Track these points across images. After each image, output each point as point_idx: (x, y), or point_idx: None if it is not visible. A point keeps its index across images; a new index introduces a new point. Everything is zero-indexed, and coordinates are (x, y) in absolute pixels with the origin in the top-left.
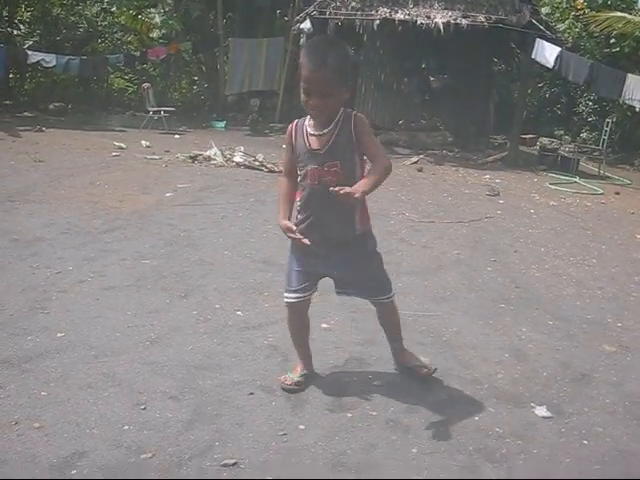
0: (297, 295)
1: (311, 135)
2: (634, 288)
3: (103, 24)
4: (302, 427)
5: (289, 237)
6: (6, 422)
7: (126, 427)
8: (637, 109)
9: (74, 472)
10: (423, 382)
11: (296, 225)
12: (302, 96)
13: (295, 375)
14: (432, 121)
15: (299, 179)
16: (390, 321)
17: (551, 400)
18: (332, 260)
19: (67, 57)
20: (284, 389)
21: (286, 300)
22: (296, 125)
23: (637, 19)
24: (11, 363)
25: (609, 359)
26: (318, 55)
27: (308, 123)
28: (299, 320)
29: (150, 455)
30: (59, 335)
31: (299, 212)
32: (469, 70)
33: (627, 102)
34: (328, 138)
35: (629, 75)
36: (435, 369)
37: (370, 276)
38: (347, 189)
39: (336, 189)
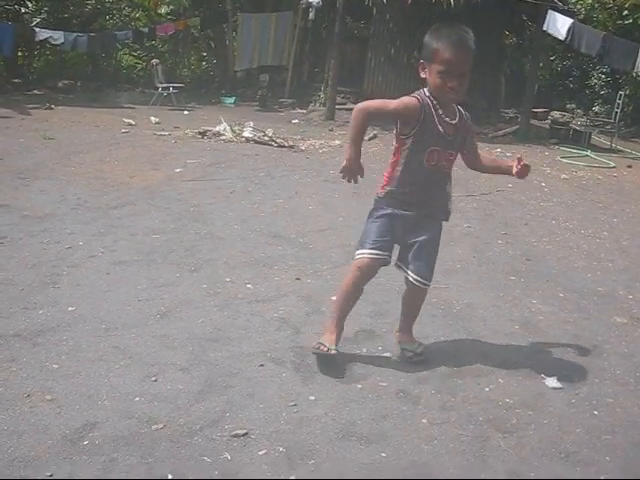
0: (373, 252)
1: (443, 119)
2: None
3: (111, 0)
4: (312, 398)
5: (347, 169)
6: (19, 394)
7: (137, 399)
8: None
9: (86, 442)
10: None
11: (391, 194)
12: (437, 80)
13: (329, 343)
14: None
15: (405, 152)
16: (415, 305)
17: (561, 371)
18: (415, 225)
19: (75, 34)
20: (317, 354)
21: (359, 257)
22: (423, 102)
23: None
24: (23, 337)
25: (620, 330)
26: (463, 39)
27: (437, 105)
28: (359, 286)
29: (161, 426)
30: (70, 309)
31: (398, 184)
32: (480, 43)
33: None
34: (456, 128)
35: None
36: (420, 357)
37: (431, 255)
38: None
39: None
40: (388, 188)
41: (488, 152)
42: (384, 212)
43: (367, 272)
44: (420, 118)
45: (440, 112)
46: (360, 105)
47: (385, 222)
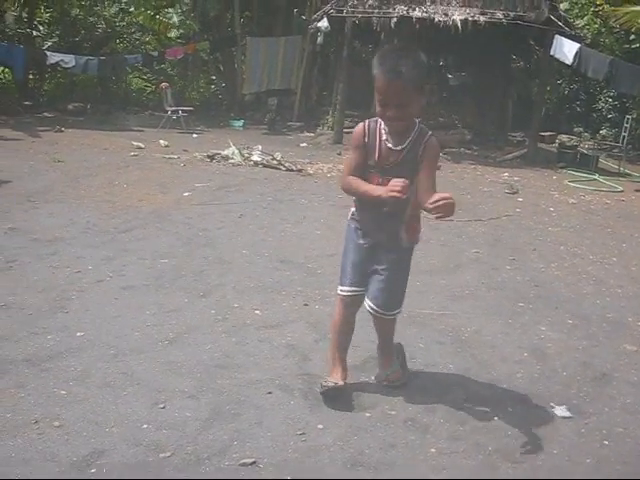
0: (352, 289)
1: (385, 145)
2: None
3: (121, 24)
4: (320, 426)
5: (392, 194)
6: (27, 421)
7: (145, 426)
8: None
9: (93, 470)
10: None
11: (354, 217)
12: (377, 108)
13: (334, 379)
14: (450, 119)
15: (353, 173)
16: (382, 334)
17: (571, 400)
18: (379, 251)
19: (86, 57)
20: (325, 392)
21: (340, 293)
22: (368, 127)
23: None
24: (31, 362)
25: (630, 358)
26: (393, 66)
27: (383, 129)
28: (347, 319)
29: (169, 454)
30: (78, 334)
31: (356, 207)
32: (487, 67)
33: None
34: (398, 155)
35: None
36: (394, 382)
37: (392, 284)
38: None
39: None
40: (352, 209)
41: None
42: (352, 240)
43: (350, 308)
44: (362, 142)
45: (384, 137)
46: (342, 182)
47: (355, 253)
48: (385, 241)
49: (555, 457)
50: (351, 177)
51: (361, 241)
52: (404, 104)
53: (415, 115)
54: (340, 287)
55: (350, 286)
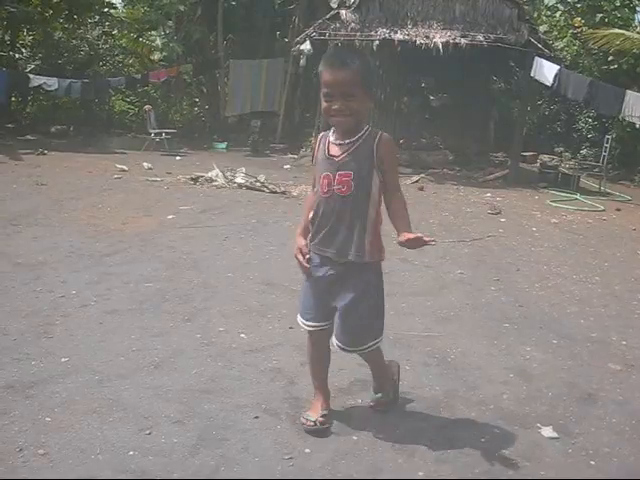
0: (313, 324)
1: (332, 143)
2: (637, 305)
3: (104, 47)
4: (308, 451)
5: (295, 257)
6: (11, 449)
7: (131, 452)
8: (637, 125)
9: None
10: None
11: (310, 240)
12: (323, 104)
13: (315, 415)
14: (433, 140)
15: (314, 189)
16: (370, 364)
17: (557, 420)
18: (338, 286)
19: (69, 80)
20: (307, 431)
21: (303, 327)
22: (322, 136)
23: (635, 36)
24: (15, 389)
25: (614, 378)
26: (338, 57)
27: (332, 133)
28: (317, 350)
29: None
30: (63, 360)
31: (311, 225)
32: (469, 89)
33: (627, 119)
34: (347, 148)
35: (628, 92)
36: (382, 406)
37: (360, 318)
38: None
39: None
40: (311, 230)
41: (400, 201)
42: (311, 267)
43: (316, 341)
44: (315, 151)
45: (332, 138)
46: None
47: (314, 287)
48: (344, 249)
49: (543, 478)
50: (309, 195)
51: (319, 273)
52: (350, 95)
53: (362, 114)
54: (302, 320)
55: (312, 321)
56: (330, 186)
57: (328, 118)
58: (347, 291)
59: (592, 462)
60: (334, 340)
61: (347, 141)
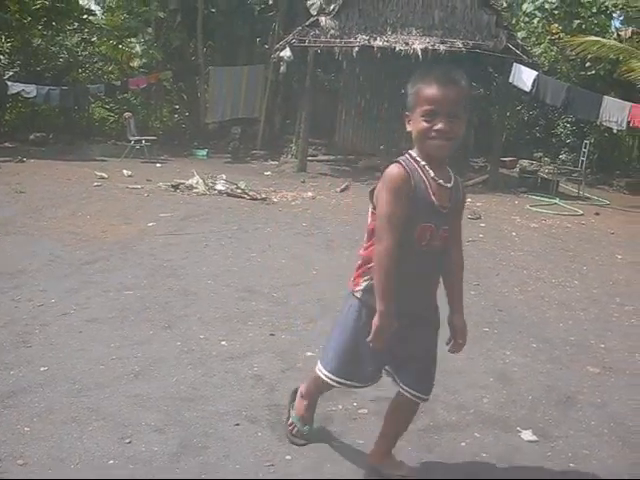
0: (339, 380)
1: (437, 184)
2: (616, 309)
3: (83, 54)
4: (289, 457)
5: (380, 335)
6: None
7: (112, 461)
8: (614, 130)
9: None
10: None
11: (372, 291)
12: (421, 124)
13: (302, 424)
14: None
15: (393, 236)
16: (405, 421)
17: (537, 424)
18: (406, 336)
19: (48, 87)
20: (292, 441)
21: (321, 376)
22: (408, 167)
23: (611, 42)
24: None
25: (593, 380)
26: (444, 73)
27: (425, 167)
28: (321, 393)
29: None
30: (42, 369)
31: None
32: None
33: (604, 124)
34: (450, 194)
35: (605, 97)
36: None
37: (432, 368)
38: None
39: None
40: (367, 282)
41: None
42: (361, 321)
43: (328, 389)
44: (407, 188)
45: (432, 174)
46: (380, 248)
47: (362, 339)
48: (426, 314)
49: None
50: (389, 249)
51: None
52: (457, 116)
53: (458, 142)
54: (322, 369)
55: (337, 377)
56: (432, 240)
57: (424, 141)
58: (422, 338)
59: (571, 464)
60: (411, 392)
61: (449, 185)
